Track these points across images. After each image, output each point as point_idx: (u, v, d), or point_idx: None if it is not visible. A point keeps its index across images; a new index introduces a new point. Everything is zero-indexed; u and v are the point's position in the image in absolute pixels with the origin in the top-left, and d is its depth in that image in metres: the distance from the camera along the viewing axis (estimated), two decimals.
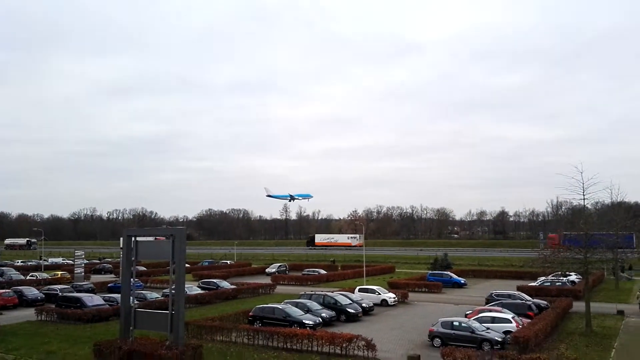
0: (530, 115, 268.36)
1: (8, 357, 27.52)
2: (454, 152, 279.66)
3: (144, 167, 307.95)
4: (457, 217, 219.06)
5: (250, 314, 36.13)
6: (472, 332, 29.28)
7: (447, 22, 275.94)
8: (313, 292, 42.88)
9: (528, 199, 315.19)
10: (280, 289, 57.67)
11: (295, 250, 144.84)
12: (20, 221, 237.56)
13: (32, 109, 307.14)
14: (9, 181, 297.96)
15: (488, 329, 30.13)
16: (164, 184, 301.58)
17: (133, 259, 28.02)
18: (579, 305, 40.64)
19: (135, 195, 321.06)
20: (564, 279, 56.44)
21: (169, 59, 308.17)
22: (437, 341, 29.68)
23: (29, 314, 41.25)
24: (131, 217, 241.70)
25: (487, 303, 41.60)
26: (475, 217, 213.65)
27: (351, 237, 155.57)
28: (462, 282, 62.43)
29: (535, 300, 41.22)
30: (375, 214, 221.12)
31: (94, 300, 42.06)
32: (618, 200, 62.59)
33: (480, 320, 31.33)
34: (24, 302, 46.92)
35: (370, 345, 26.73)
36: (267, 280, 65.81)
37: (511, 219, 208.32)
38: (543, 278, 57.45)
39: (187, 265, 71.47)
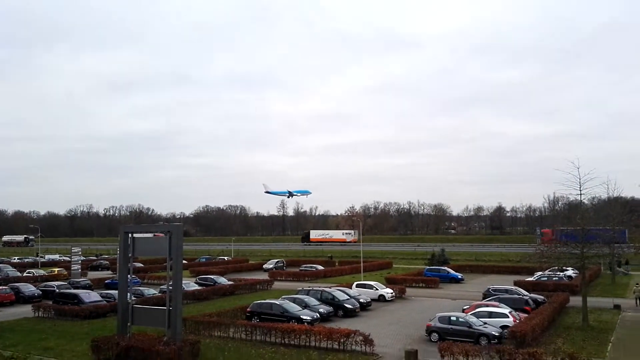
0: (529, 111, 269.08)
1: (5, 354, 27.46)
2: (452, 147, 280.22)
3: (141, 163, 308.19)
4: (455, 213, 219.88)
5: (248, 309, 36.13)
6: (470, 326, 29.33)
7: (445, 17, 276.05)
8: (311, 288, 42.96)
9: (525, 194, 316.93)
10: (277, 284, 57.70)
11: (292, 246, 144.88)
12: (17, 218, 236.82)
13: (30, 106, 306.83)
14: (8, 178, 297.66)
15: (485, 323, 30.18)
16: (162, 180, 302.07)
17: (130, 255, 27.97)
18: (575, 300, 40.78)
19: (133, 191, 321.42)
20: (561, 273, 56.64)
21: (167, 55, 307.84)
22: (435, 336, 29.74)
23: (26, 310, 41.19)
24: (128, 213, 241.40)
25: (484, 298, 41.67)
26: (472, 213, 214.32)
27: (346, 233, 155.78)
28: (460, 277, 62.62)
29: (532, 295, 41.29)
30: (372, 209, 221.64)
31: (91, 296, 42.02)
32: (614, 196, 62.79)
33: (478, 315, 31.39)
34: (20, 298, 46.82)
35: (367, 340, 26.77)
36: (264, 276, 65.83)
37: (508, 214, 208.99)
38: (540, 273, 57.64)
39: (184, 261, 71.39)
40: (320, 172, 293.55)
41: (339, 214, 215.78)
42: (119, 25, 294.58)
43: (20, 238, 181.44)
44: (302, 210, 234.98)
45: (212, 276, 57.73)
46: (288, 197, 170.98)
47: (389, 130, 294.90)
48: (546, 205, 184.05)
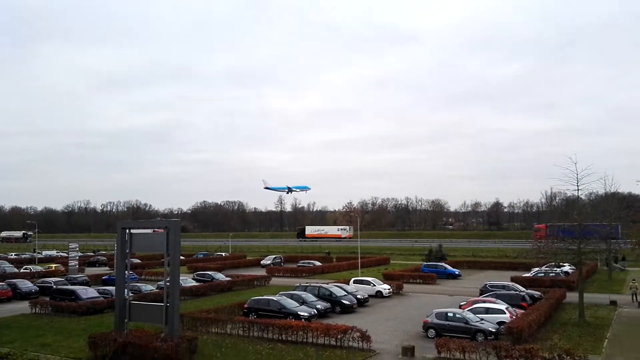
0: (528, 106, 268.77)
1: (2, 350, 27.39)
2: (450, 143, 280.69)
3: (139, 159, 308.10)
4: (452, 209, 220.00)
5: (245, 306, 36.16)
6: (466, 323, 29.41)
7: (444, 11, 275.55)
8: (308, 284, 42.97)
9: (523, 190, 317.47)
10: (275, 280, 57.76)
11: (290, 242, 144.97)
12: (14, 214, 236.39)
13: (28, 100, 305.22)
14: (5, 173, 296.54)
15: (482, 319, 30.25)
16: (160, 176, 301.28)
17: (127, 251, 27.92)
18: (572, 296, 40.88)
19: (130, 187, 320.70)
20: (558, 269, 56.77)
21: (166, 51, 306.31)
22: (432, 332, 29.81)
23: (23, 306, 41.11)
24: (125, 209, 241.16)
25: (481, 294, 41.81)
26: (469, 208, 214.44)
27: (341, 229, 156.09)
28: (457, 273, 62.76)
29: (529, 291, 41.45)
30: (370, 205, 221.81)
31: (88, 292, 41.96)
32: (612, 191, 62.94)
33: (474, 311, 31.46)
34: (17, 295, 46.78)
35: (365, 337, 26.82)
36: (262, 272, 65.84)
37: (505, 210, 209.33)
38: (537, 269, 57.80)
39: (181, 257, 71.42)
40: (318, 168, 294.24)
41: (336, 210, 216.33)
42: (119, 22, 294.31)
43: (18, 234, 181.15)
44: (300, 206, 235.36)
45: (209, 272, 57.75)
46: (287, 192, 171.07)
47: (388, 125, 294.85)
48: (543, 200, 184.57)
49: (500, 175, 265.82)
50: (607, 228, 48.06)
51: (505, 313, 31.59)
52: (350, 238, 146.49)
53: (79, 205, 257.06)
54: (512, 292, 40.13)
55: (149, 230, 32.77)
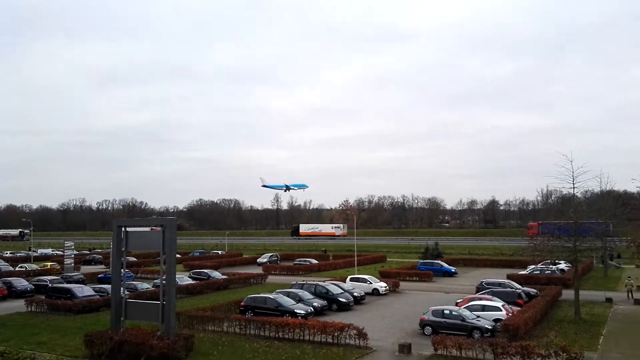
0: (525, 105, 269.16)
1: None
2: (447, 141, 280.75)
3: (135, 157, 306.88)
4: (448, 207, 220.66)
5: (242, 303, 36.11)
6: (463, 320, 29.45)
7: (443, 11, 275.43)
8: (305, 282, 43.00)
9: (519, 188, 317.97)
10: (271, 278, 57.75)
11: (286, 240, 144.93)
12: (9, 212, 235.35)
13: (24, 98, 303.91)
14: (1, 171, 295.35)
15: (478, 317, 30.30)
16: (155, 174, 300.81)
17: (123, 249, 27.85)
18: (568, 293, 41.04)
19: (126, 185, 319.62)
20: (554, 267, 56.95)
21: (163, 48, 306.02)
22: (428, 329, 29.84)
23: (18, 305, 41.00)
24: (121, 207, 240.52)
25: (477, 291, 41.85)
26: (466, 206, 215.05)
27: (335, 227, 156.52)
28: (453, 270, 62.83)
29: (525, 288, 41.52)
30: (366, 203, 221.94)
31: (84, 291, 41.89)
32: (607, 189, 63.13)
33: (471, 309, 31.51)
34: (13, 293, 46.63)
35: (361, 334, 26.84)
36: (258, 270, 65.83)
37: (502, 207, 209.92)
38: (533, 266, 57.96)
39: (177, 255, 71.34)
40: (315, 166, 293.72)
41: (333, 208, 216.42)
42: (118, 21, 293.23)
43: (15, 232, 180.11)
44: (297, 204, 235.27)
45: (205, 270, 57.65)
46: (285, 190, 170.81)
47: (384, 124, 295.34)
48: (539, 198, 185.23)
49: (497, 174, 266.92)
50: (603, 226, 48.21)
51: (501, 310, 31.65)
52: (344, 236, 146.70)
53: (74, 203, 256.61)
54: (508, 289, 40.19)
55: (146, 229, 32.59)
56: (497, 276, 52.34)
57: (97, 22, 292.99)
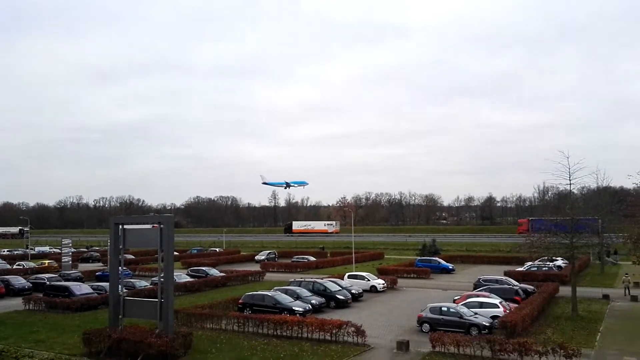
0: (521, 100, 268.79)
1: None
2: (444, 137, 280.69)
3: (131, 154, 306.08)
4: (445, 203, 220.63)
5: (240, 301, 36.14)
6: (460, 317, 29.52)
7: (440, 7, 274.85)
8: (302, 279, 43.05)
9: (516, 184, 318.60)
10: (269, 276, 57.77)
11: (284, 237, 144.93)
12: (5, 210, 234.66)
13: (21, 95, 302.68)
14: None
15: (476, 314, 30.39)
16: (152, 171, 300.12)
17: (121, 247, 27.84)
18: (565, 290, 41.14)
19: (123, 182, 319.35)
20: (551, 264, 57.09)
21: (156, 44, 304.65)
22: (426, 326, 29.91)
23: (16, 303, 40.94)
24: (118, 205, 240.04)
25: (475, 288, 41.95)
26: (463, 203, 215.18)
27: (328, 224, 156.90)
28: (450, 267, 63.00)
29: (522, 285, 41.64)
30: (364, 200, 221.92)
31: (82, 289, 41.83)
32: (603, 185, 63.28)
33: (468, 306, 31.59)
34: (10, 291, 46.49)
35: (359, 331, 26.89)
36: (256, 267, 65.86)
37: (498, 204, 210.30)
38: (530, 263, 58.09)
39: (175, 253, 71.25)
40: (313, 163, 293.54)
41: (330, 205, 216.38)
42: (111, 17, 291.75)
43: (15, 230, 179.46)
44: (294, 201, 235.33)
45: (203, 268, 57.66)
46: (285, 188, 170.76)
47: (381, 120, 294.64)
48: (536, 195, 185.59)
49: (494, 170, 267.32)
50: (597, 222, 48.31)
51: (499, 307, 31.75)
52: (337, 233, 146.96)
53: (71, 200, 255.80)
54: (506, 286, 40.33)
55: (144, 226, 32.55)
56: (495, 273, 52.49)
57: (91, 19, 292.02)
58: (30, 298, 40.09)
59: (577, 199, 49.90)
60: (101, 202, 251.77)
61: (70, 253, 69.99)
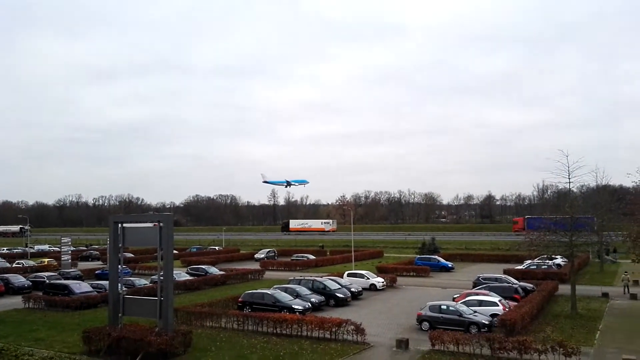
0: (521, 99, 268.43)
1: None
2: (443, 136, 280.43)
3: (131, 153, 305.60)
4: (445, 202, 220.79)
5: (240, 299, 36.16)
6: (460, 315, 29.56)
7: (440, 6, 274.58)
8: (302, 278, 43.05)
9: (515, 183, 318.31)
10: (269, 274, 57.77)
11: (283, 235, 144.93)
12: (5, 208, 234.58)
13: (19, 94, 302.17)
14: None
15: (475, 312, 30.42)
16: (152, 170, 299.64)
17: (120, 245, 27.84)
18: (564, 288, 41.15)
19: (122, 181, 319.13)
20: (550, 262, 57.10)
21: (155, 44, 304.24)
22: (426, 325, 29.94)
23: (16, 301, 40.95)
24: (117, 203, 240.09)
25: (474, 287, 41.98)
26: (462, 202, 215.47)
27: (324, 222, 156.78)
28: (450, 266, 62.99)
29: (521, 283, 41.65)
30: (363, 199, 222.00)
31: (81, 287, 41.86)
32: (603, 184, 63.16)
33: (468, 304, 31.60)
34: (10, 289, 46.51)
35: (359, 330, 26.92)
36: (256, 266, 65.87)
37: (498, 202, 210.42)
38: (529, 261, 58.09)
39: (175, 251, 71.17)
40: (313, 162, 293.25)
41: (329, 204, 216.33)
42: (109, 17, 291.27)
43: (15, 228, 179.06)
44: (293, 199, 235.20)
45: (203, 266, 57.62)
46: (286, 186, 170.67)
47: (381, 120, 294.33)
48: (535, 193, 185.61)
49: (493, 169, 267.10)
50: (594, 220, 48.28)
51: (498, 305, 31.77)
52: (333, 231, 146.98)
53: (70, 199, 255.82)
54: (505, 284, 40.34)
55: (143, 225, 32.60)
56: (494, 271, 52.53)
57: (91, 19, 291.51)
58: (30, 296, 40.12)
59: (577, 198, 49.80)
60: (100, 200, 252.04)
61: (70, 251, 69.91)
